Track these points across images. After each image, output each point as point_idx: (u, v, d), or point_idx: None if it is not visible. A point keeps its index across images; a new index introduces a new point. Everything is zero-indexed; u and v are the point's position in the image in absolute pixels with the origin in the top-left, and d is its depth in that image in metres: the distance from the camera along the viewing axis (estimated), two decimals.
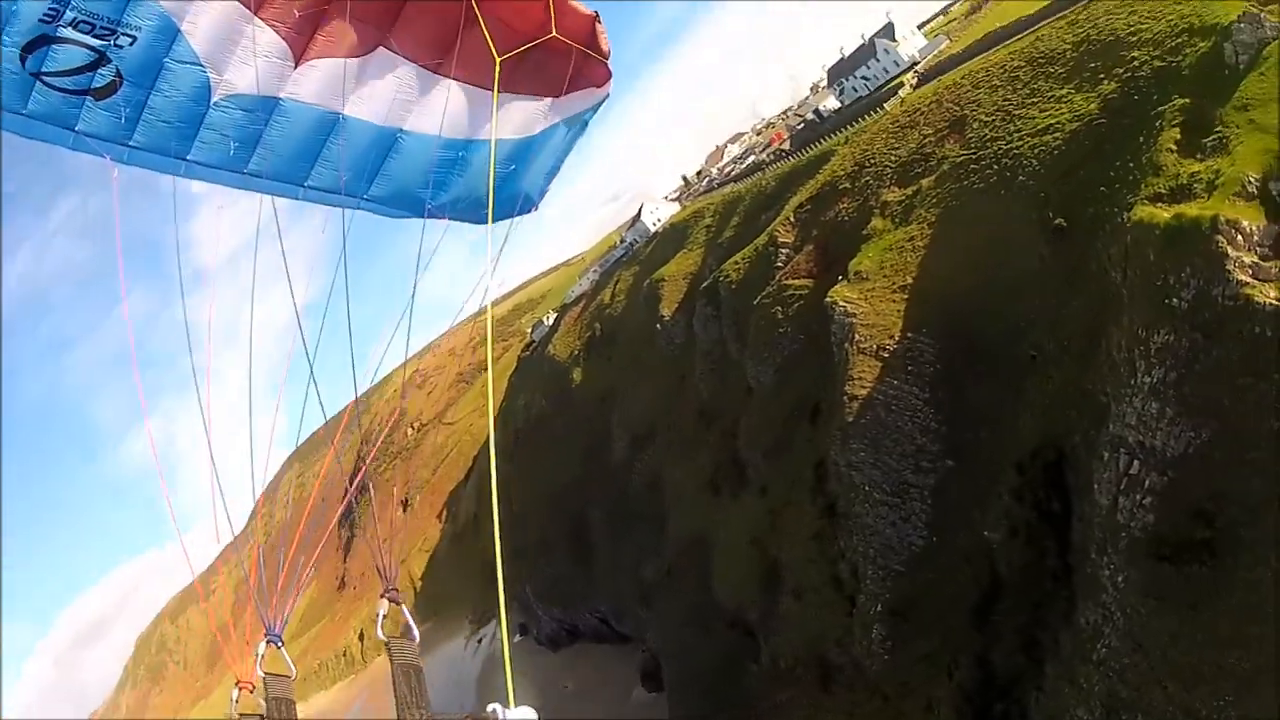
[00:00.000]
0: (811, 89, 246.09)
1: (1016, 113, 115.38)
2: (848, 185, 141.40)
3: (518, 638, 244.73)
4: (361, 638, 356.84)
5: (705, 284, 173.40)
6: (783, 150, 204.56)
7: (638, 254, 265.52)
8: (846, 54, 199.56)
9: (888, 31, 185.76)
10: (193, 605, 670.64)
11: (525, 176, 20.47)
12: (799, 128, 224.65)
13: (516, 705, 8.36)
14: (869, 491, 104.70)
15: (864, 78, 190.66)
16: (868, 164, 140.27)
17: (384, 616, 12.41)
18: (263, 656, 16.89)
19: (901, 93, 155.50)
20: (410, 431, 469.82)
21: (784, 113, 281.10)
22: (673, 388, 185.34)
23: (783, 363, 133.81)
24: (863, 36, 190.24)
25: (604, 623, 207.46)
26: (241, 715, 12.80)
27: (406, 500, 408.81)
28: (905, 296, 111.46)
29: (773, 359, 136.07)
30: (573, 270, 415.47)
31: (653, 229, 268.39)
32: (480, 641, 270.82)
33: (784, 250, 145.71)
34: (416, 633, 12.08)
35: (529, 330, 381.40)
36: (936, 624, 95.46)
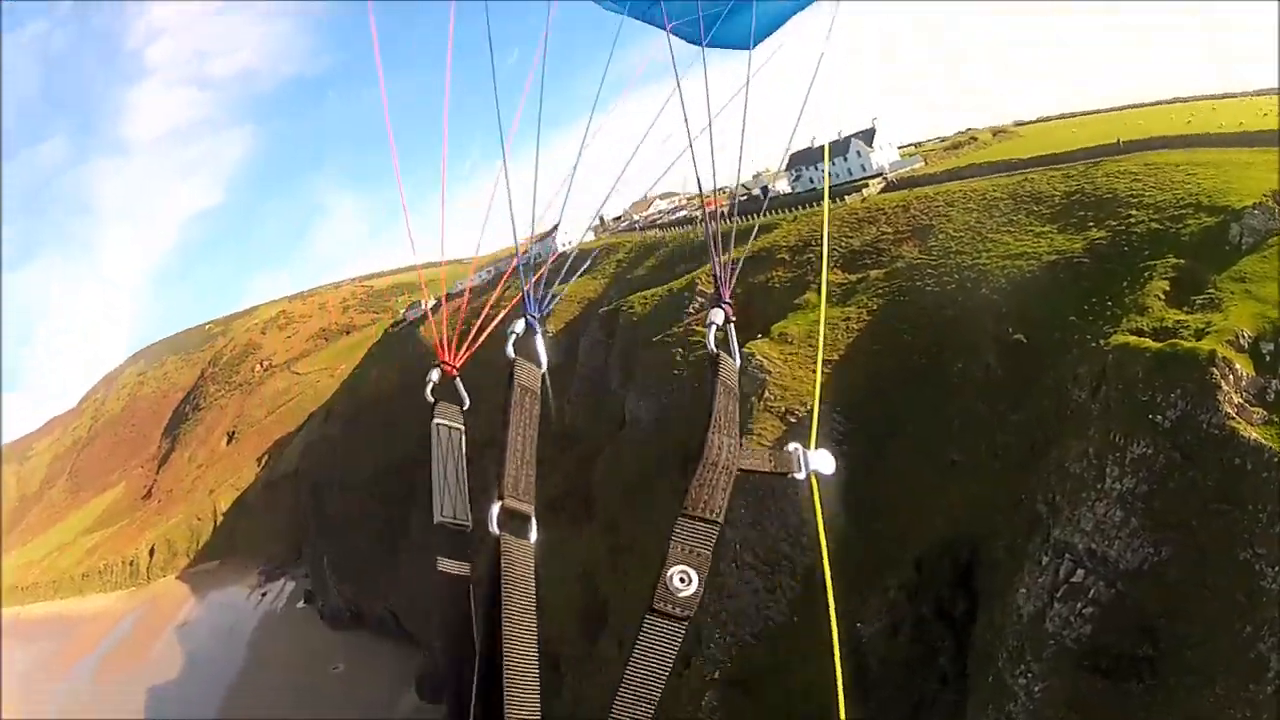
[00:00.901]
0: (755, 176, 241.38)
1: (990, 235, 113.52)
2: (786, 256, 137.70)
3: (301, 604, 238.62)
4: (152, 553, 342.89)
5: (605, 309, 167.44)
6: (715, 214, 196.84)
7: (537, 267, 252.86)
8: (816, 144, 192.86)
9: (867, 135, 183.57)
10: (14, 463, 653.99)
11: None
12: (742, 198, 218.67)
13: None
14: (739, 552, 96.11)
15: (827, 172, 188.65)
16: (815, 244, 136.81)
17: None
18: None
19: (866, 191, 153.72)
20: (258, 368, 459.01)
21: (722, 189, 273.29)
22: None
23: (668, 404, 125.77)
24: (839, 133, 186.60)
25: (393, 617, 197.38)
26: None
27: (233, 433, 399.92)
28: (826, 371, 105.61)
29: (659, 398, 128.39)
30: (464, 268, 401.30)
31: (562, 248, 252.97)
32: (264, 596, 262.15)
33: (700, 298, 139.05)
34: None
35: (402, 310, 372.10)
36: (781, 706, 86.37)
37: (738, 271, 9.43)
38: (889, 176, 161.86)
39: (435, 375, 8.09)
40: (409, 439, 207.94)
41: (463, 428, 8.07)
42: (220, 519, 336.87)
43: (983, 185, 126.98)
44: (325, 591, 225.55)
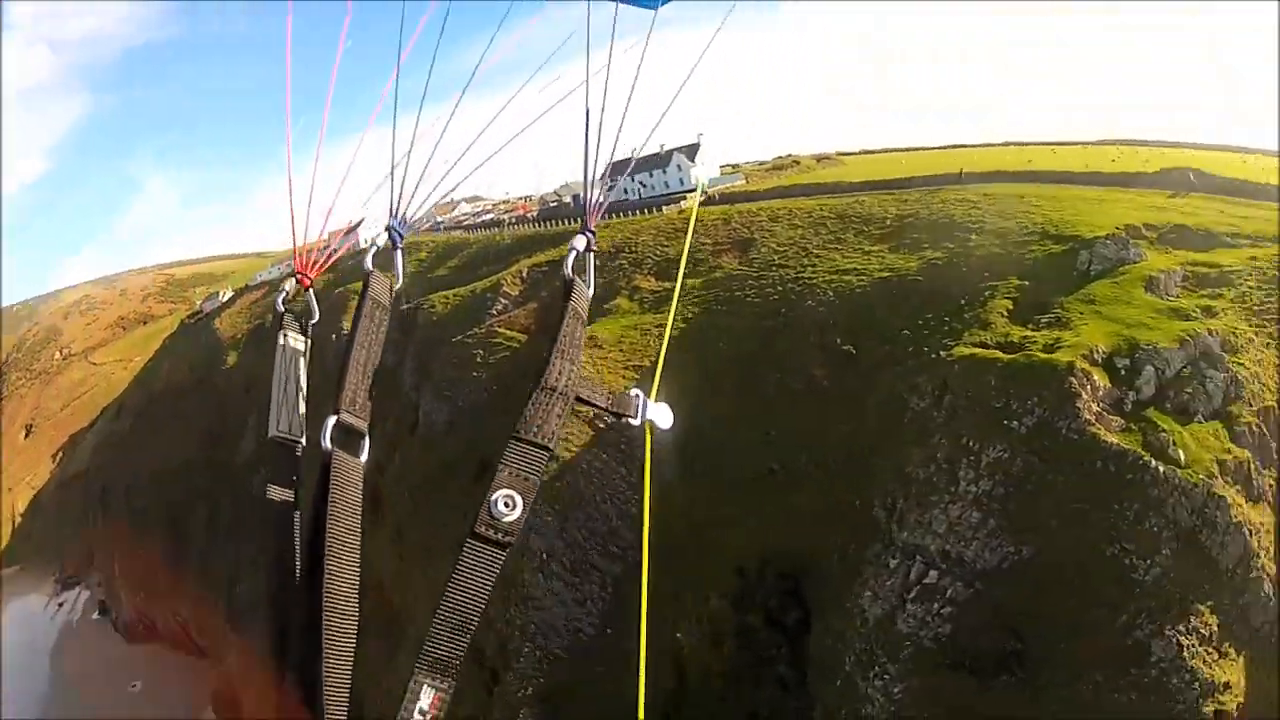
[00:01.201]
0: (562, 186, 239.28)
1: (815, 251, 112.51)
2: (597, 262, 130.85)
3: (96, 616, 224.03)
4: None
5: (404, 307, 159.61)
6: (525, 218, 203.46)
7: (336, 263, 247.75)
8: (637, 154, 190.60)
9: (691, 150, 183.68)
10: None
11: None
12: (552, 204, 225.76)
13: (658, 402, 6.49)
14: (546, 561, 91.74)
15: (641, 183, 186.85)
16: (626, 250, 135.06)
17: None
18: None
19: (684, 204, 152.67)
20: (57, 356, 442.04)
21: (526, 197, 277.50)
22: (324, 398, 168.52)
23: (464, 406, 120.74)
24: (661, 146, 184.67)
25: (184, 629, 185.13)
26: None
27: (31, 426, 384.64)
28: (637, 378, 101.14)
29: (454, 400, 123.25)
30: (259, 264, 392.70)
31: (363, 245, 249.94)
32: (61, 606, 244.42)
33: (504, 300, 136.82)
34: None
35: (199, 301, 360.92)
36: None
37: (602, 210, 9.02)
38: (710, 192, 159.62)
39: (290, 285, 8.15)
40: (197, 434, 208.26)
41: (306, 343, 8.07)
42: (18, 520, 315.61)
43: (808, 204, 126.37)
44: (118, 602, 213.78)
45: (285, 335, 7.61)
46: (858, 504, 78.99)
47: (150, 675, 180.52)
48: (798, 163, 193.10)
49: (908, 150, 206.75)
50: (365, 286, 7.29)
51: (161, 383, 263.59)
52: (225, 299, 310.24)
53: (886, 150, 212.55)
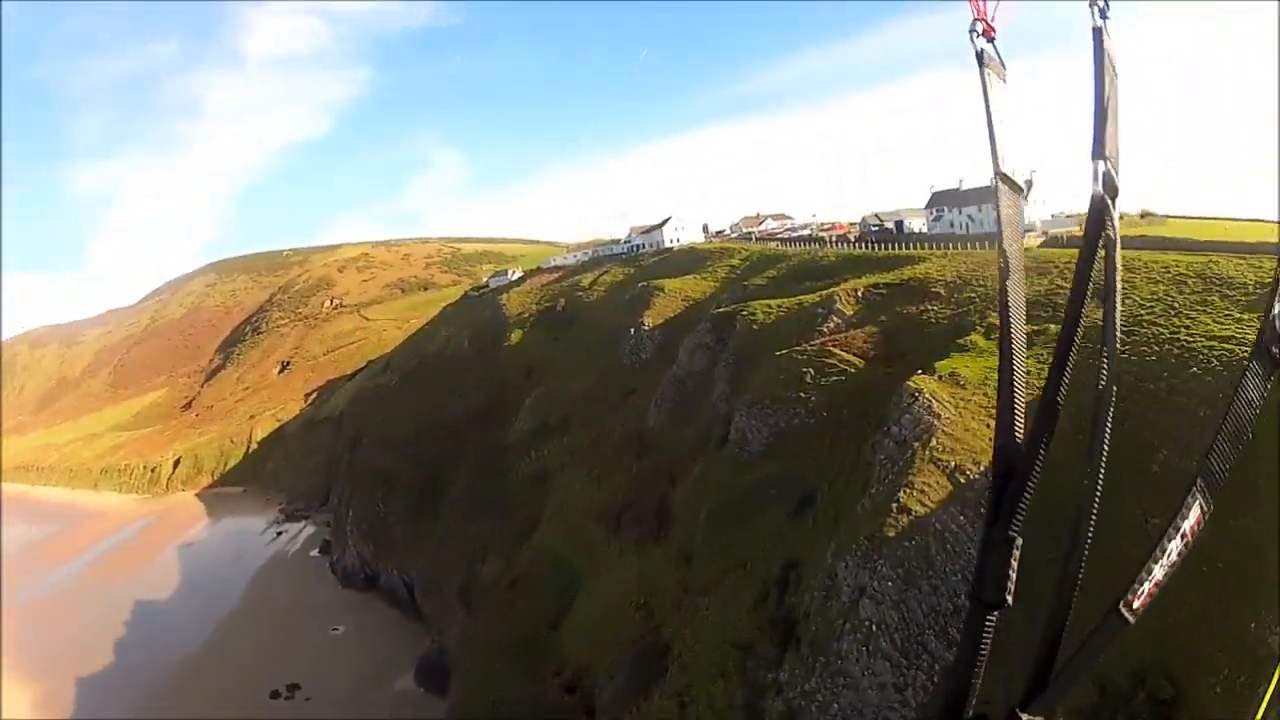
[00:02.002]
0: (886, 213, 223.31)
1: (1185, 312, 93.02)
2: (941, 291, 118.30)
3: (315, 553, 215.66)
4: (176, 464, 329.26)
5: (718, 310, 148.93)
6: (846, 238, 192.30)
7: (639, 257, 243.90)
8: (963, 186, 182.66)
9: (1024, 188, 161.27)
10: (58, 344, 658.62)
11: None
12: (873, 227, 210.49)
13: None
14: (875, 634, 71.43)
15: (968, 215, 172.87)
16: (975, 283, 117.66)
17: None
18: None
19: (1029, 241, 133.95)
20: (327, 304, 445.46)
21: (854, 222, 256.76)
22: (613, 397, 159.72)
23: (787, 429, 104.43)
24: (991, 179, 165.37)
25: (409, 590, 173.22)
26: None
27: (288, 363, 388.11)
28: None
29: (776, 419, 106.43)
30: (552, 250, 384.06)
31: (669, 243, 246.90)
32: (279, 535, 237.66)
33: (837, 318, 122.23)
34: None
35: (485, 277, 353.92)
36: None
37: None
38: (1051, 232, 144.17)
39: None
40: (469, 404, 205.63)
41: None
42: (254, 446, 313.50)
43: (1163, 258, 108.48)
44: (343, 546, 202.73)
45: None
46: (1252, 625, 59.20)
47: (356, 623, 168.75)
48: (1122, 216, 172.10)
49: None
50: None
51: (437, 347, 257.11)
52: (514, 278, 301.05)
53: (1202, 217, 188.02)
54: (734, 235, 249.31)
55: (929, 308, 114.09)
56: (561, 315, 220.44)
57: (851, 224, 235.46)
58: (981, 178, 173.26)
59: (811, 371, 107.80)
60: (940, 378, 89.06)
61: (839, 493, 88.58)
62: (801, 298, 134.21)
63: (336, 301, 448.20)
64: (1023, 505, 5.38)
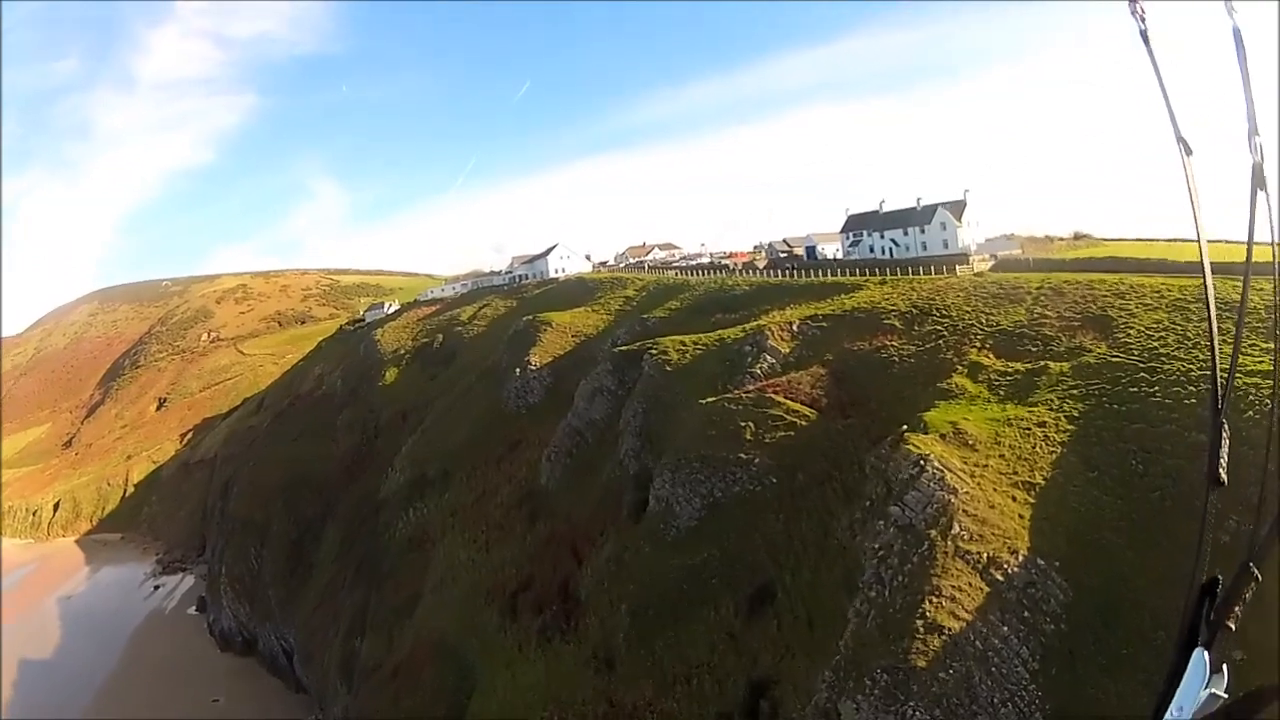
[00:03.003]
0: (796, 238, 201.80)
1: (1200, 341, 74.13)
2: (897, 324, 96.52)
3: (193, 610, 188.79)
4: (56, 508, 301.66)
5: (618, 347, 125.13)
6: (752, 265, 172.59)
7: (522, 289, 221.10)
8: (885, 209, 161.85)
9: (956, 208, 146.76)
10: None
11: None
12: (782, 254, 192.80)
13: None
14: None
15: (891, 239, 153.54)
16: (936, 313, 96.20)
17: None
18: None
19: (968, 268, 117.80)
20: (205, 337, 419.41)
21: (759, 247, 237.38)
22: (498, 448, 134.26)
23: (723, 499, 79.65)
24: (918, 200, 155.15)
25: (288, 657, 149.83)
26: None
27: (164, 400, 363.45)
28: (1030, 501, 59.84)
29: (711, 485, 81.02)
30: (431, 283, 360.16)
31: (555, 273, 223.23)
32: (156, 589, 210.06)
33: (770, 356, 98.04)
34: None
35: (363, 310, 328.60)
36: None
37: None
38: (999, 255, 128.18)
39: None
40: (340, 450, 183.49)
41: None
42: (130, 489, 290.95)
43: (1151, 282, 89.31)
44: (219, 605, 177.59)
45: None
46: None
47: (237, 692, 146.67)
48: (1053, 239, 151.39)
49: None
50: None
51: (310, 385, 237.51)
52: (391, 310, 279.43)
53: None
54: (621, 266, 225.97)
55: (887, 343, 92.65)
56: (439, 352, 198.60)
57: (755, 250, 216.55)
58: (903, 199, 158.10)
59: (751, 425, 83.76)
60: (944, 437, 65.25)
61: (806, 585, 66.46)
62: (721, 333, 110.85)
63: (214, 334, 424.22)
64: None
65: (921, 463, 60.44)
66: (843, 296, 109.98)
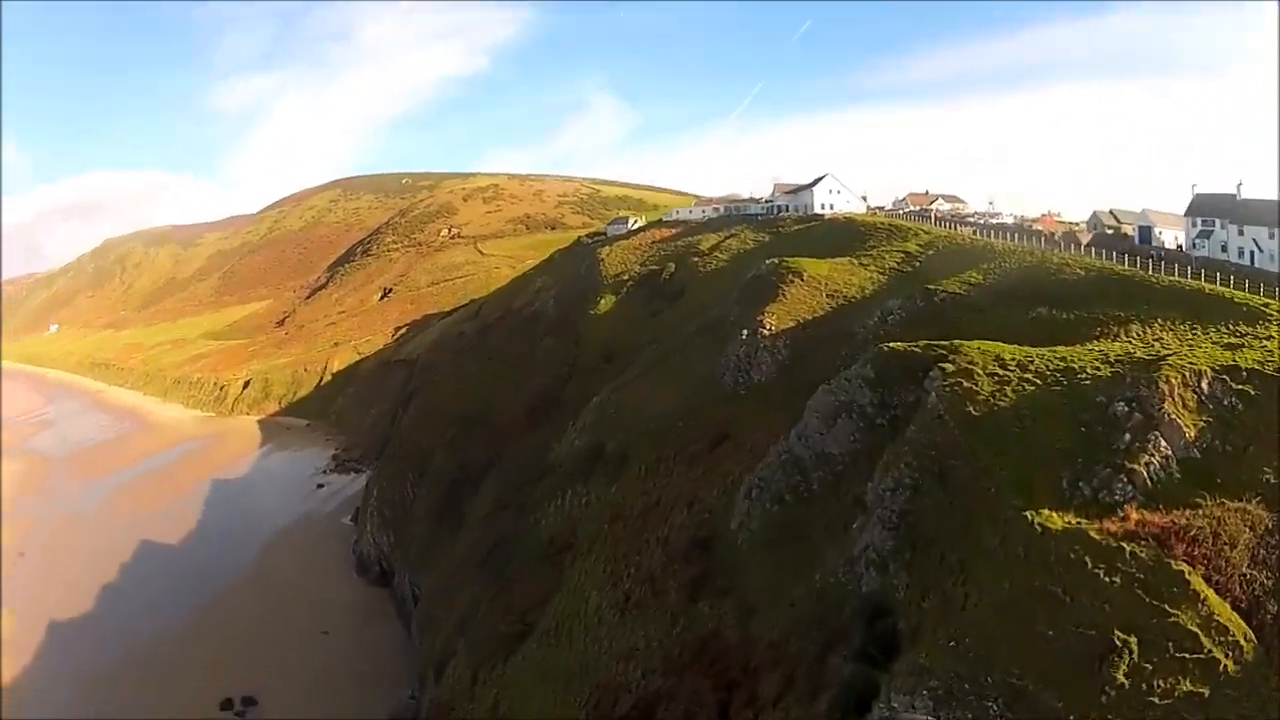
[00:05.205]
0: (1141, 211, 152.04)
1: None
2: None
3: (348, 520, 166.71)
4: (246, 385, 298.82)
5: (891, 344, 70.76)
6: (1073, 238, 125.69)
7: (778, 223, 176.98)
8: (1241, 194, 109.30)
9: None
10: (175, 245, 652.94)
11: None
12: (1109, 231, 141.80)
13: None
14: None
15: (1254, 240, 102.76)
16: None
17: None
18: None
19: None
20: (444, 233, 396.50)
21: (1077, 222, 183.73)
22: (695, 441, 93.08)
23: None
24: None
25: (415, 601, 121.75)
26: None
27: (390, 290, 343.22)
28: None
29: None
30: (685, 200, 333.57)
31: (820, 209, 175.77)
32: (320, 489, 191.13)
33: (1164, 443, 47.03)
34: None
35: (606, 224, 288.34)
36: None
37: None
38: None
39: None
40: (525, 393, 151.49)
41: None
42: (327, 378, 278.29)
43: None
44: (364, 528, 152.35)
45: None
46: None
47: (350, 631, 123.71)
48: None
49: None
50: None
51: (525, 300, 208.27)
52: (633, 226, 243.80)
53: None
54: (900, 213, 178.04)
55: None
56: (666, 285, 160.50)
57: (1069, 222, 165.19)
58: (1267, 189, 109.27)
59: (1128, 638, 34.93)
60: None
61: None
62: (1066, 354, 59.27)
63: (454, 231, 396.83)
64: None
65: None
66: (1247, 326, 64.07)
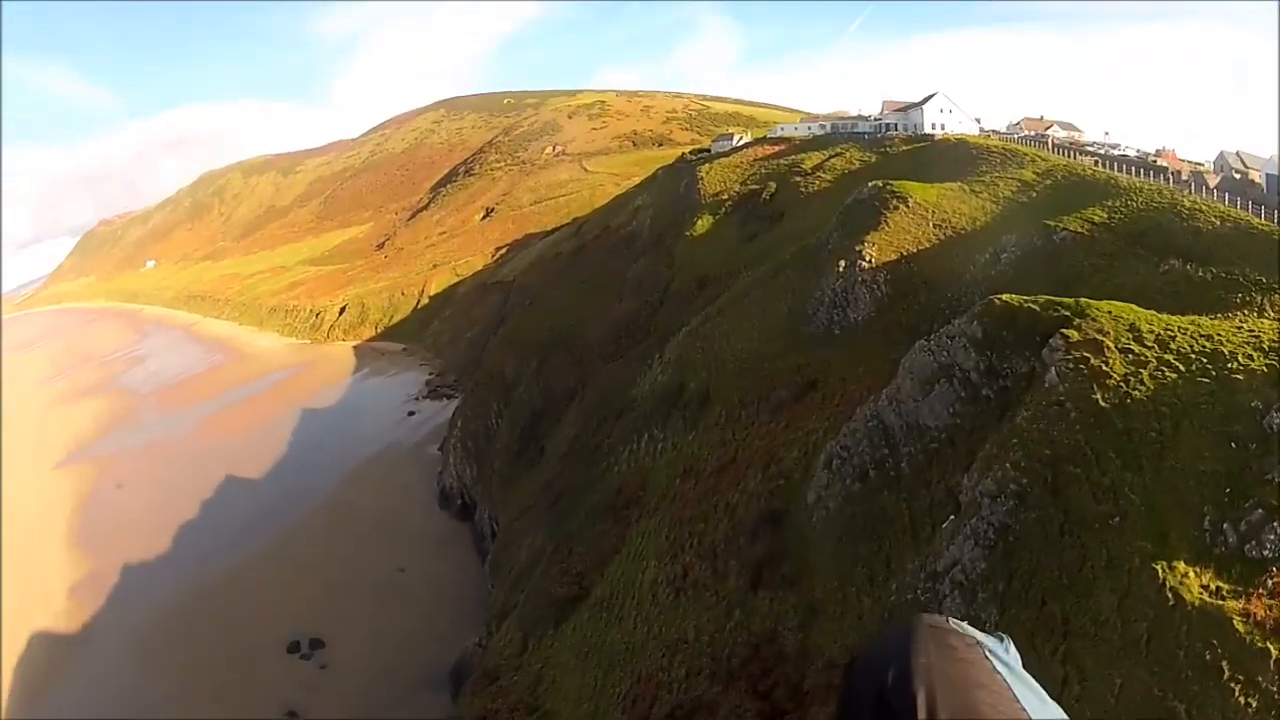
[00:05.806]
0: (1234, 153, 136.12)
1: None
2: None
3: (436, 449, 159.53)
4: (342, 311, 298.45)
5: (1005, 297, 56.24)
6: (1201, 179, 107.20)
7: (886, 143, 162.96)
8: None
9: None
10: (275, 172, 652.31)
11: None
12: (1236, 174, 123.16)
13: None
14: None
15: None
16: None
17: None
18: None
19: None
20: (548, 151, 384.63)
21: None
22: (781, 384, 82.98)
23: None
24: None
25: (494, 536, 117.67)
26: None
27: (492, 210, 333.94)
28: None
29: None
30: (792, 117, 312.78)
31: (930, 128, 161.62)
32: (410, 415, 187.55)
33: None
34: None
35: (712, 141, 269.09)
36: None
37: None
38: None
39: None
40: (615, 310, 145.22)
41: None
42: (424, 301, 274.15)
43: None
44: (447, 459, 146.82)
45: None
46: None
47: (426, 569, 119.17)
48: None
49: None
50: None
51: (623, 219, 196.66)
52: (738, 143, 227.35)
53: None
54: (1015, 138, 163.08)
55: None
56: (765, 207, 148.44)
57: (1193, 162, 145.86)
58: None
59: None
60: None
61: None
62: (1211, 328, 46.18)
63: (559, 149, 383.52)
64: None
65: None
66: None
